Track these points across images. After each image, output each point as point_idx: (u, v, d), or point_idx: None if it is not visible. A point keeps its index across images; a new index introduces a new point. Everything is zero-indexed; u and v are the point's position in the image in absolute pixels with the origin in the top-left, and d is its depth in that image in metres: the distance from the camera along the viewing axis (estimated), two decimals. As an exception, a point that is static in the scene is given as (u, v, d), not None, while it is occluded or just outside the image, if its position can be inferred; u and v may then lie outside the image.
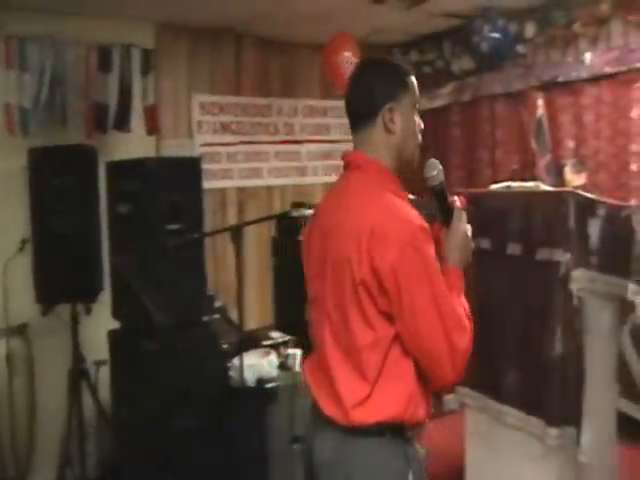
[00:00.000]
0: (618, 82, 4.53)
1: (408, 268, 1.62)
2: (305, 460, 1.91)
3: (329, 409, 1.76)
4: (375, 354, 1.68)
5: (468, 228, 1.83)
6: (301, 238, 1.99)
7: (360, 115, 1.79)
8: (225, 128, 5.45)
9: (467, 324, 1.70)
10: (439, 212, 1.84)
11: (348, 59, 4.93)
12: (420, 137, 1.85)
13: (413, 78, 1.81)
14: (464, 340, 1.68)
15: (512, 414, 3.01)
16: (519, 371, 2.99)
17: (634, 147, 4.44)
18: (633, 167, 4.43)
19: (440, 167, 1.81)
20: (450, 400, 3.30)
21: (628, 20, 4.43)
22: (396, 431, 1.73)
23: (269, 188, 5.74)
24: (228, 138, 5.46)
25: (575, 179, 4.42)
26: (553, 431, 2.82)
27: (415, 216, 1.69)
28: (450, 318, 1.66)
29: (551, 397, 2.85)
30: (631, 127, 4.47)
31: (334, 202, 1.83)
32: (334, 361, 1.74)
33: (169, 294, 3.28)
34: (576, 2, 4.70)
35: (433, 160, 1.82)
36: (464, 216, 1.84)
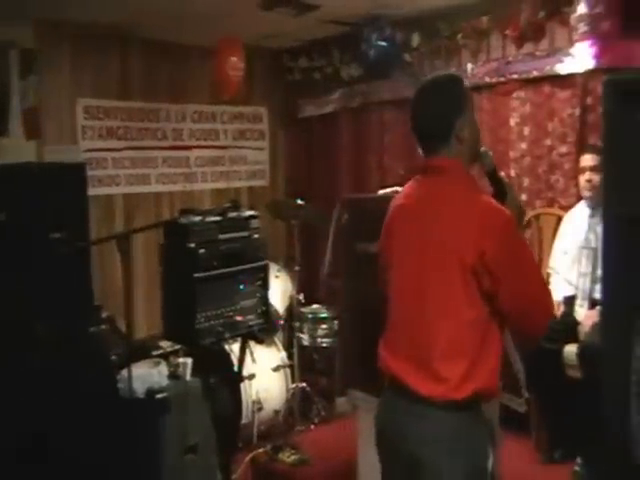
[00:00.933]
0: (497, 92, 4.73)
1: (512, 248, 1.91)
2: (389, 446, 2.06)
3: (426, 389, 1.91)
4: (475, 331, 1.90)
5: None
6: (383, 231, 2.19)
7: (435, 136, 2.03)
8: (111, 133, 5.30)
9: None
10: (495, 190, 2.20)
11: (235, 64, 4.90)
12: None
13: (465, 82, 2.09)
14: (552, 301, 2.09)
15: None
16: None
17: (512, 154, 4.65)
18: (512, 172, 4.63)
19: (491, 154, 2.21)
20: (342, 403, 3.34)
21: (505, 34, 4.65)
22: (477, 404, 1.96)
23: (157, 195, 5.63)
24: (114, 143, 5.32)
25: None
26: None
27: (503, 207, 1.98)
28: (543, 281, 2.06)
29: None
30: (509, 135, 4.68)
31: (426, 201, 2.04)
32: (434, 340, 1.92)
33: (53, 306, 3.15)
34: (459, 15, 4.88)
35: (485, 150, 2.19)
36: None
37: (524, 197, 4.57)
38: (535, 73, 4.47)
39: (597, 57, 4.06)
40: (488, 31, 4.76)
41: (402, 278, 2.06)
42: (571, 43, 4.22)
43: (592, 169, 3.88)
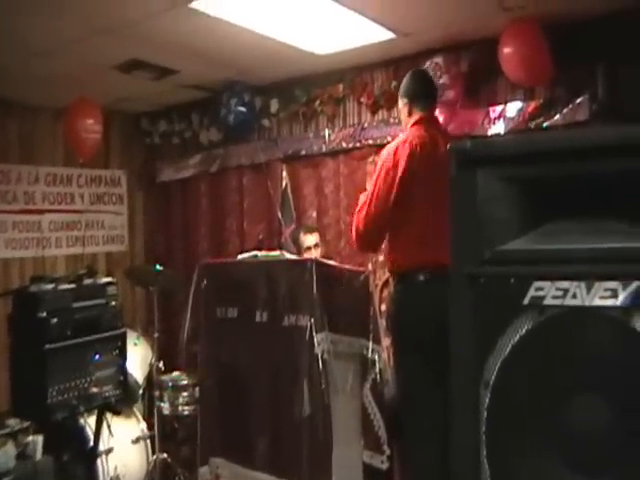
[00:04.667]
0: (354, 157, 4.91)
1: None
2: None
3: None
4: None
5: None
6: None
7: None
8: (-46, 196, 5.01)
9: None
10: None
11: (91, 126, 4.80)
12: None
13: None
14: None
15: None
16: (270, 436, 3.03)
17: (369, 216, 4.81)
18: (369, 234, 4.78)
19: None
20: (204, 472, 3.25)
21: (360, 101, 4.87)
22: None
23: (6, 261, 5.31)
24: (-42, 207, 5.02)
25: (308, 239, 4.68)
26: (303, 492, 2.88)
27: None
28: None
29: (301, 457, 2.92)
30: (366, 198, 4.85)
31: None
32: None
33: None
34: (315, 82, 5.06)
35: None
36: None
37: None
38: (389, 139, 4.66)
39: (444, 124, 4.32)
40: (344, 98, 4.97)
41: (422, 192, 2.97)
42: (421, 112, 4.48)
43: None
